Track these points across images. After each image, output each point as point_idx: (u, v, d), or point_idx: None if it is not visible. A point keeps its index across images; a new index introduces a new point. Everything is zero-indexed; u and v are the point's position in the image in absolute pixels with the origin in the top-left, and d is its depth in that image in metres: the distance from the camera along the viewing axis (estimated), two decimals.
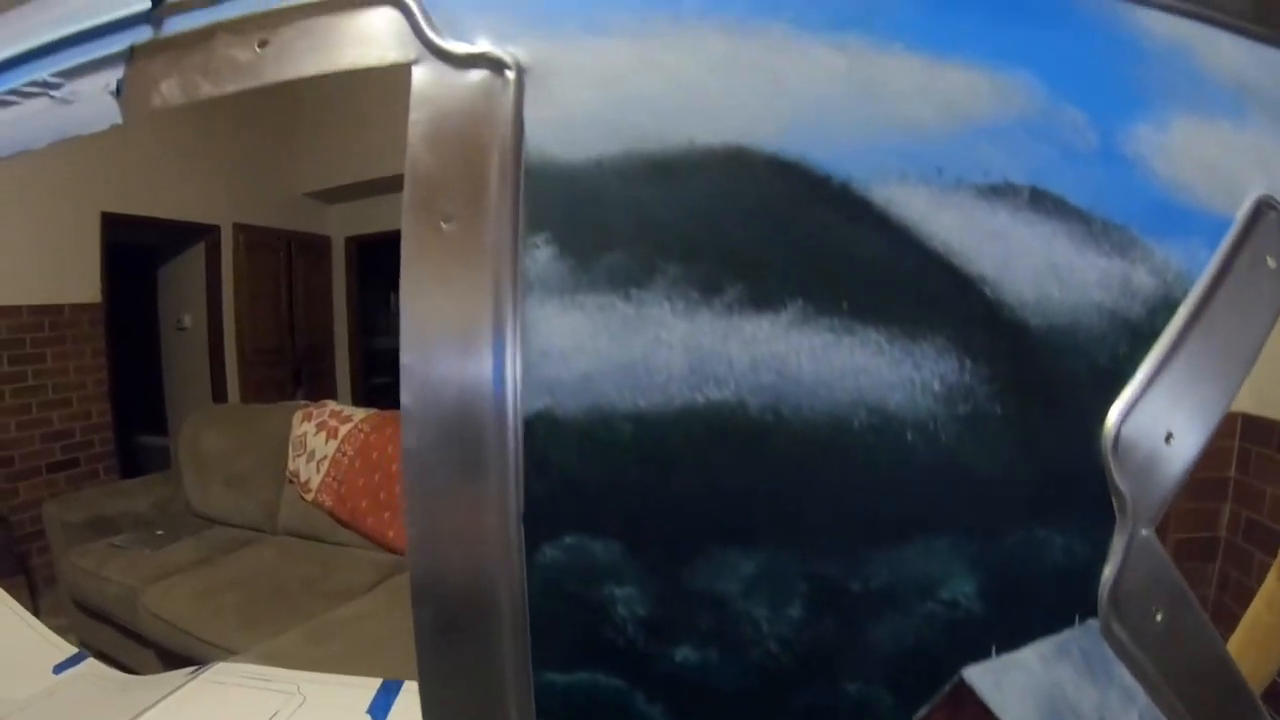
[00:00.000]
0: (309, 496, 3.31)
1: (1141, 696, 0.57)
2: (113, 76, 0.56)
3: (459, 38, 0.47)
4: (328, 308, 6.42)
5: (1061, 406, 0.55)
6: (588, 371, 0.46)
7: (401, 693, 1.24)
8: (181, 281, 5.60)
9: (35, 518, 3.97)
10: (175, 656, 2.75)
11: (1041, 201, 0.53)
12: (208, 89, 0.52)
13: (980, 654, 0.53)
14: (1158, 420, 0.55)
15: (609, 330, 0.46)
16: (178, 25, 0.55)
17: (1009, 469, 0.54)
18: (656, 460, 0.49)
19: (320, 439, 3.34)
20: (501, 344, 0.45)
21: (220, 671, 1.35)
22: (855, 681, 0.52)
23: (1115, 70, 0.57)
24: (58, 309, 4.37)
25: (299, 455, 3.41)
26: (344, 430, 3.26)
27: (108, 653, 3.14)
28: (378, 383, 6.54)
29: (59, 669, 1.36)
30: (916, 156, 0.51)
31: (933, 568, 0.52)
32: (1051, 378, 0.54)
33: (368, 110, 5.05)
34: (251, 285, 5.63)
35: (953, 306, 0.52)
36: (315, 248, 6.22)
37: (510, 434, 0.45)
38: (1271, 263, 0.59)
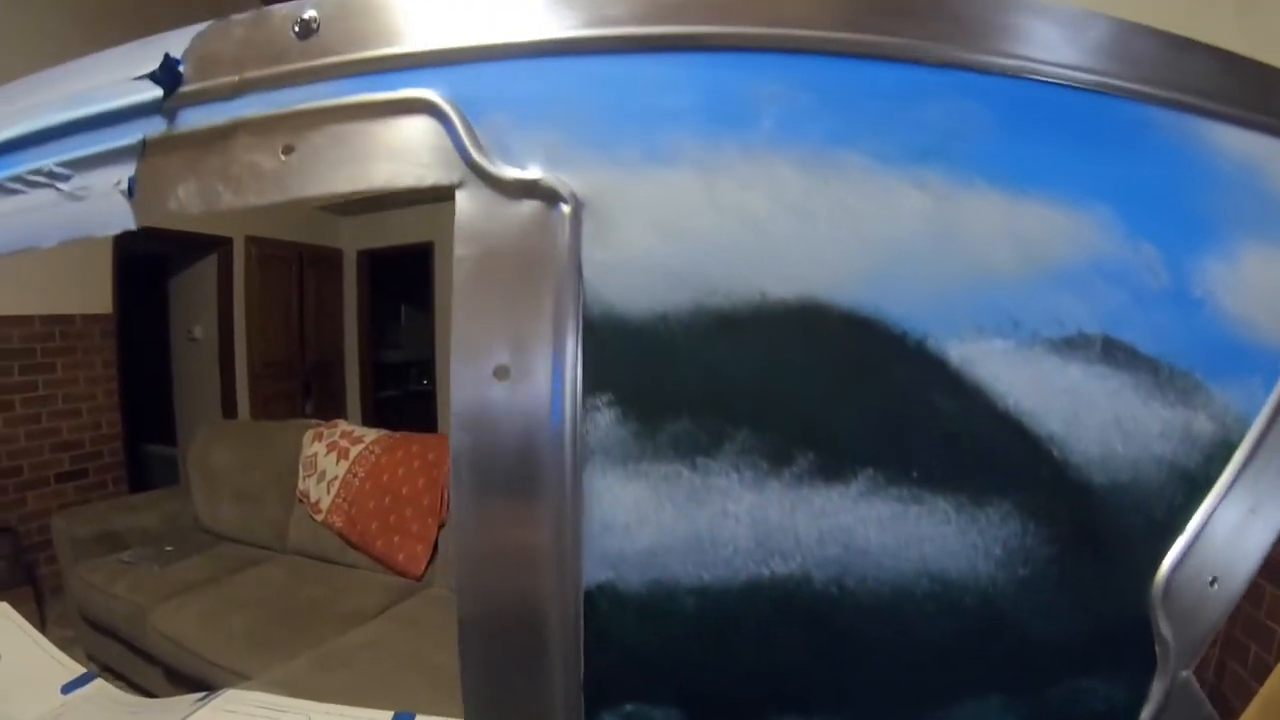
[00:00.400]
0: (319, 517, 3.28)
1: None
2: (124, 173, 0.52)
3: (507, 157, 0.42)
4: (338, 321, 6.42)
5: (1116, 562, 0.54)
6: (651, 545, 0.43)
7: None
8: (193, 293, 5.61)
9: (43, 527, 3.97)
10: (183, 676, 2.74)
11: (1113, 352, 0.51)
12: (229, 199, 0.47)
13: None
14: (1205, 566, 0.54)
15: (674, 502, 0.42)
16: (194, 119, 0.50)
17: (1060, 627, 0.53)
18: (718, 632, 0.46)
19: (331, 459, 3.31)
20: (562, 514, 0.40)
21: (230, 700, 1.30)
22: None
23: (1189, 197, 0.54)
24: (69, 319, 4.37)
25: (309, 475, 3.38)
26: (355, 451, 3.23)
27: (115, 668, 3.13)
28: (387, 396, 6.51)
29: (67, 689, 1.31)
30: (994, 308, 0.48)
31: None
32: (1109, 534, 0.53)
33: None
34: (263, 297, 5.64)
35: (1020, 470, 0.50)
36: (327, 261, 6.24)
37: (571, 605, 0.41)
38: None
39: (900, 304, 0.47)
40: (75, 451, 4.44)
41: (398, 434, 3.34)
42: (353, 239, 6.32)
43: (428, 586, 2.98)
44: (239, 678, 2.44)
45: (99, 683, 1.34)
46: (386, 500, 3.06)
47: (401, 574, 3.01)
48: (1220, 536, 0.54)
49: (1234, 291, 0.56)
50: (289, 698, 1.38)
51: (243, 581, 3.21)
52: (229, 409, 5.52)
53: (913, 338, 0.47)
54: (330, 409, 5.38)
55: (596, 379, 0.41)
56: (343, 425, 3.48)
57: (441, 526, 2.98)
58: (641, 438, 0.42)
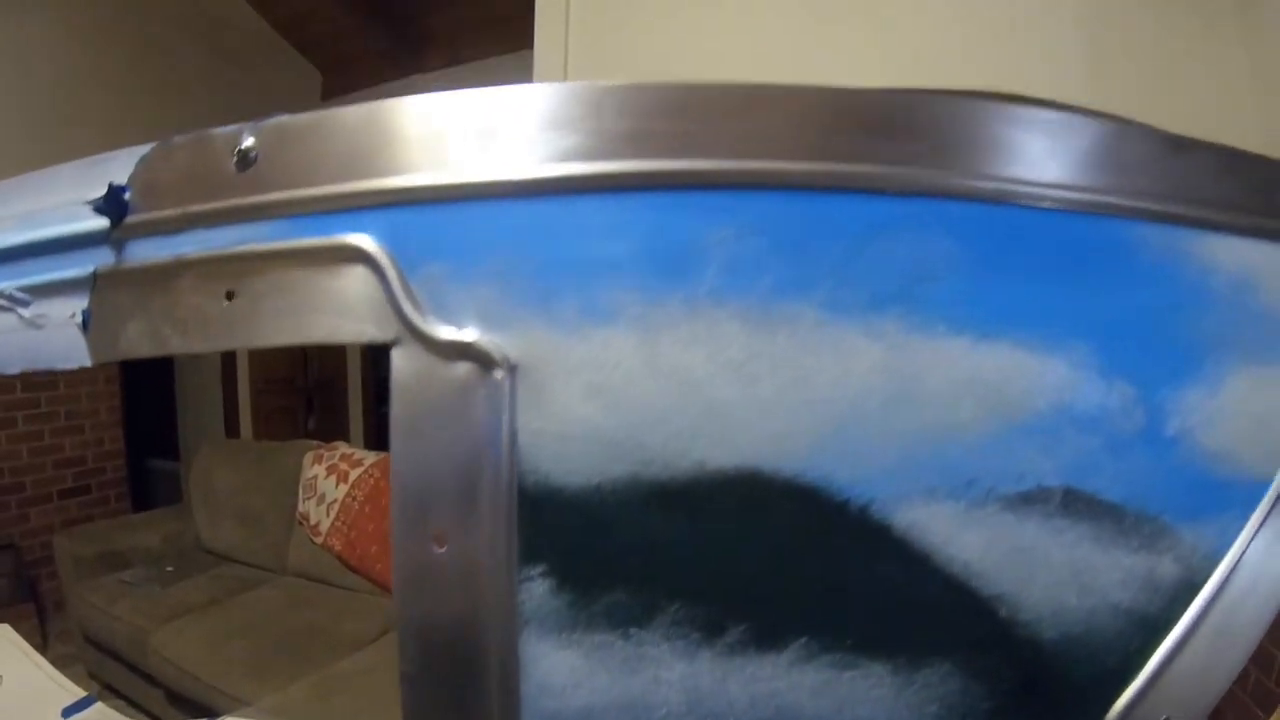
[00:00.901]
0: (318, 540, 3.30)
1: None
2: (79, 304, 0.52)
3: (443, 314, 0.42)
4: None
5: (1062, 712, 0.52)
6: (586, 706, 0.43)
7: None
8: None
9: (46, 544, 3.99)
10: (184, 700, 2.77)
11: (1074, 504, 0.50)
12: (176, 344, 0.48)
13: None
14: (1159, 708, 0.53)
15: (607, 669, 0.42)
16: (141, 253, 0.50)
17: None
18: None
19: (330, 483, 3.33)
20: (503, 678, 0.41)
21: None
22: None
23: (1175, 326, 0.52)
24: None
25: (309, 498, 3.40)
26: (354, 474, 3.24)
27: (116, 687, 3.16)
28: (389, 411, 6.54)
29: (67, 712, 1.35)
30: (947, 469, 0.47)
31: None
32: (1056, 687, 0.51)
33: None
34: None
35: (964, 630, 0.49)
36: None
37: None
38: None
39: (846, 469, 0.45)
40: (78, 468, 4.44)
41: None
42: None
43: None
44: (239, 703, 2.47)
45: (99, 706, 1.38)
46: (386, 524, 3.07)
47: None
48: (1178, 682, 0.52)
49: (1213, 423, 0.53)
50: None
51: (243, 604, 3.23)
52: (231, 424, 5.53)
53: (856, 504, 0.46)
54: (332, 424, 5.39)
55: (531, 549, 0.41)
56: (343, 448, 3.50)
57: None
58: (575, 607, 0.42)
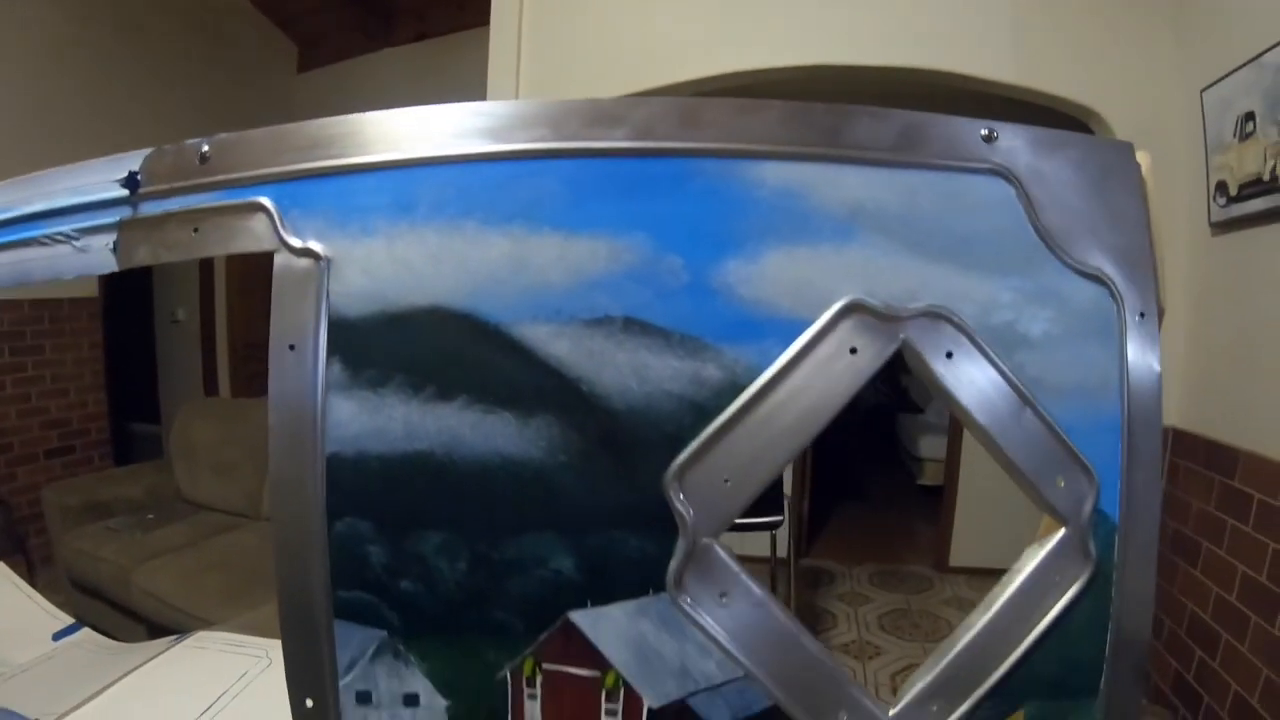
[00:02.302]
0: None
1: (716, 651, 0.84)
2: (110, 238, 0.98)
3: (297, 236, 0.87)
4: None
5: (635, 457, 0.83)
6: (357, 432, 0.85)
7: None
8: (175, 277, 6.02)
9: (33, 501, 4.43)
10: (164, 630, 3.13)
11: (631, 326, 0.82)
12: (164, 255, 0.94)
13: (580, 605, 0.85)
14: (717, 469, 0.82)
15: (366, 410, 0.84)
16: (147, 210, 0.96)
17: (592, 495, 0.84)
18: (388, 479, 0.84)
19: None
20: (316, 417, 0.86)
21: (200, 639, 1.58)
22: (499, 612, 0.85)
23: (719, 222, 0.82)
24: (57, 303, 4.81)
25: None
26: None
27: (101, 627, 3.51)
28: None
29: (58, 636, 1.55)
30: (545, 305, 0.82)
31: (543, 550, 0.84)
32: (629, 440, 0.83)
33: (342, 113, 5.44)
34: (243, 280, 6.02)
35: (559, 397, 0.83)
36: None
37: (319, 463, 0.86)
38: (852, 350, 0.83)
39: (487, 305, 0.83)
40: (63, 429, 4.91)
41: None
42: None
43: None
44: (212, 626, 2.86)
45: (87, 631, 1.61)
46: None
47: None
48: (732, 451, 0.82)
49: (751, 282, 0.82)
50: (252, 636, 1.58)
51: (219, 545, 3.68)
52: (211, 388, 5.94)
53: (492, 324, 0.83)
54: None
55: (332, 347, 0.85)
56: None
57: None
58: (352, 378, 0.84)
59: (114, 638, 1.63)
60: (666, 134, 0.83)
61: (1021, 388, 0.87)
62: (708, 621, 0.85)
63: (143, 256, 0.95)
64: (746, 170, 0.83)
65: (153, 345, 6.17)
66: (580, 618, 0.86)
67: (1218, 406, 2.83)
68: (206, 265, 5.87)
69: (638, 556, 0.84)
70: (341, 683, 0.90)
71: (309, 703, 0.92)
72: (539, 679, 0.89)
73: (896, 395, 7.26)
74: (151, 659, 1.43)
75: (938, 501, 5.07)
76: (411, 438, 0.85)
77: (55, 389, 4.84)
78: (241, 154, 0.92)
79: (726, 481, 0.83)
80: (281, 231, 0.87)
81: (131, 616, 3.48)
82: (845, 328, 0.84)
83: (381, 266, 0.86)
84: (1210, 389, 2.88)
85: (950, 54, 3.27)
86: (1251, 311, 2.62)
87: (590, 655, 0.87)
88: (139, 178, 0.95)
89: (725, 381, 0.83)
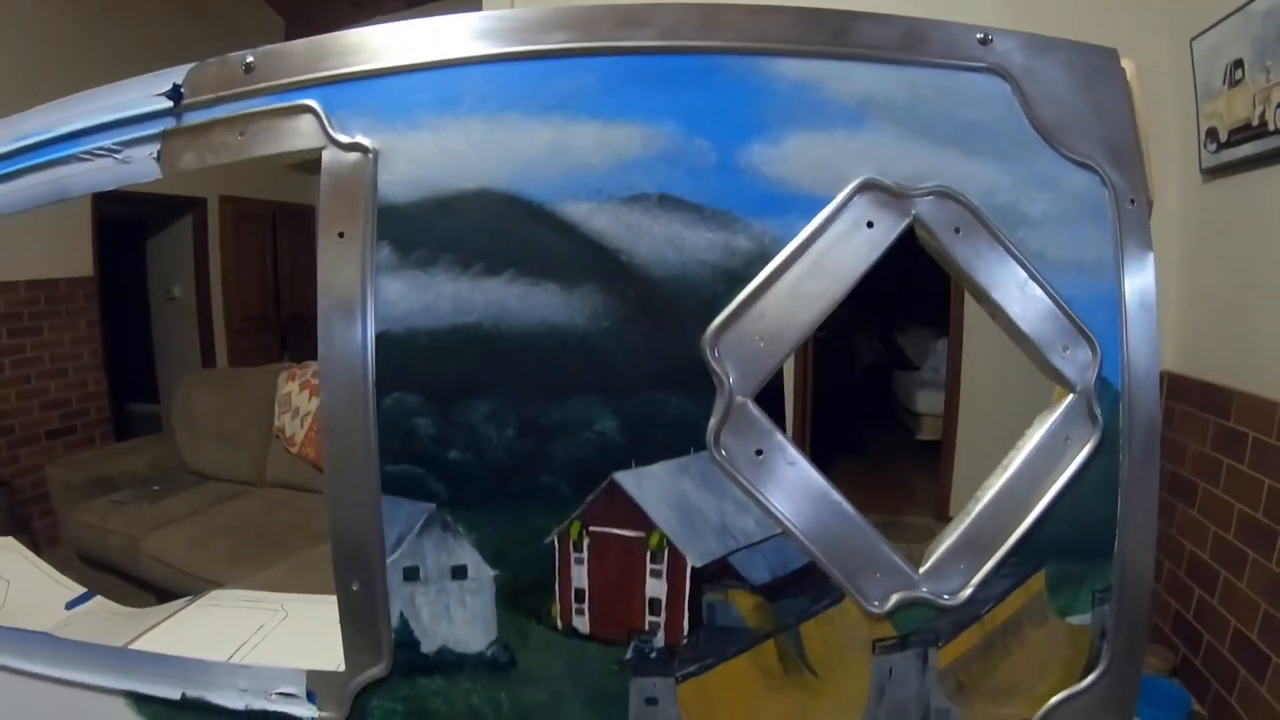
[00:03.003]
0: (294, 450, 3.81)
1: (754, 508, 0.93)
2: (154, 148, 1.03)
3: (345, 133, 0.93)
4: (312, 275, 6.71)
5: (674, 322, 0.91)
6: (406, 310, 0.92)
7: None
8: (170, 253, 6.05)
9: (37, 481, 4.46)
10: (174, 597, 3.19)
11: (666, 202, 0.90)
12: (210, 159, 1.00)
13: (624, 466, 0.92)
14: (750, 331, 0.90)
15: (415, 288, 0.91)
16: (190, 119, 1.02)
17: (634, 359, 0.91)
18: (437, 352, 0.91)
19: (304, 396, 3.82)
20: (365, 298, 0.92)
21: (214, 597, 1.61)
22: (546, 475, 0.92)
23: (742, 110, 0.91)
24: (53, 283, 4.83)
25: (284, 412, 3.89)
26: None
27: (112, 598, 3.56)
28: None
29: (70, 605, 1.56)
30: (585, 185, 0.90)
31: (588, 412, 0.92)
32: (667, 305, 0.91)
33: None
34: (238, 255, 6.08)
35: (600, 267, 0.91)
36: (300, 218, 6.65)
37: (369, 339, 0.92)
38: (869, 224, 0.92)
39: (531, 187, 0.91)
40: (63, 409, 4.93)
41: None
42: None
43: None
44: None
45: (99, 599, 1.62)
46: None
47: None
48: (762, 316, 0.90)
49: (773, 163, 0.90)
50: (266, 592, 1.61)
51: (225, 511, 3.73)
52: (208, 364, 5.97)
53: (535, 203, 0.91)
54: (306, 353, 5.76)
55: (381, 233, 0.91)
56: (314, 365, 3.90)
57: None
58: (401, 259, 0.91)
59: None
60: (690, 34, 0.92)
61: (1025, 261, 0.96)
62: (745, 478, 0.92)
63: (188, 161, 1.01)
64: (765, 65, 0.92)
65: (149, 322, 6.21)
66: (625, 478, 0.93)
67: (1212, 349, 2.87)
68: (200, 239, 5.91)
69: (678, 416, 0.92)
70: (389, 560, 0.96)
71: (354, 585, 0.99)
72: (586, 542, 0.95)
73: (892, 353, 7.34)
74: (168, 617, 1.47)
75: (936, 456, 5.12)
76: (460, 311, 0.92)
77: (54, 369, 4.86)
78: (285, 63, 0.98)
79: (760, 341, 0.91)
80: (329, 129, 0.93)
81: (142, 587, 3.51)
82: (861, 203, 0.92)
83: (429, 156, 0.94)
84: (1204, 332, 2.92)
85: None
86: (1243, 254, 2.66)
87: (635, 516, 0.94)
88: (182, 90, 1.01)
89: (754, 251, 0.91)
